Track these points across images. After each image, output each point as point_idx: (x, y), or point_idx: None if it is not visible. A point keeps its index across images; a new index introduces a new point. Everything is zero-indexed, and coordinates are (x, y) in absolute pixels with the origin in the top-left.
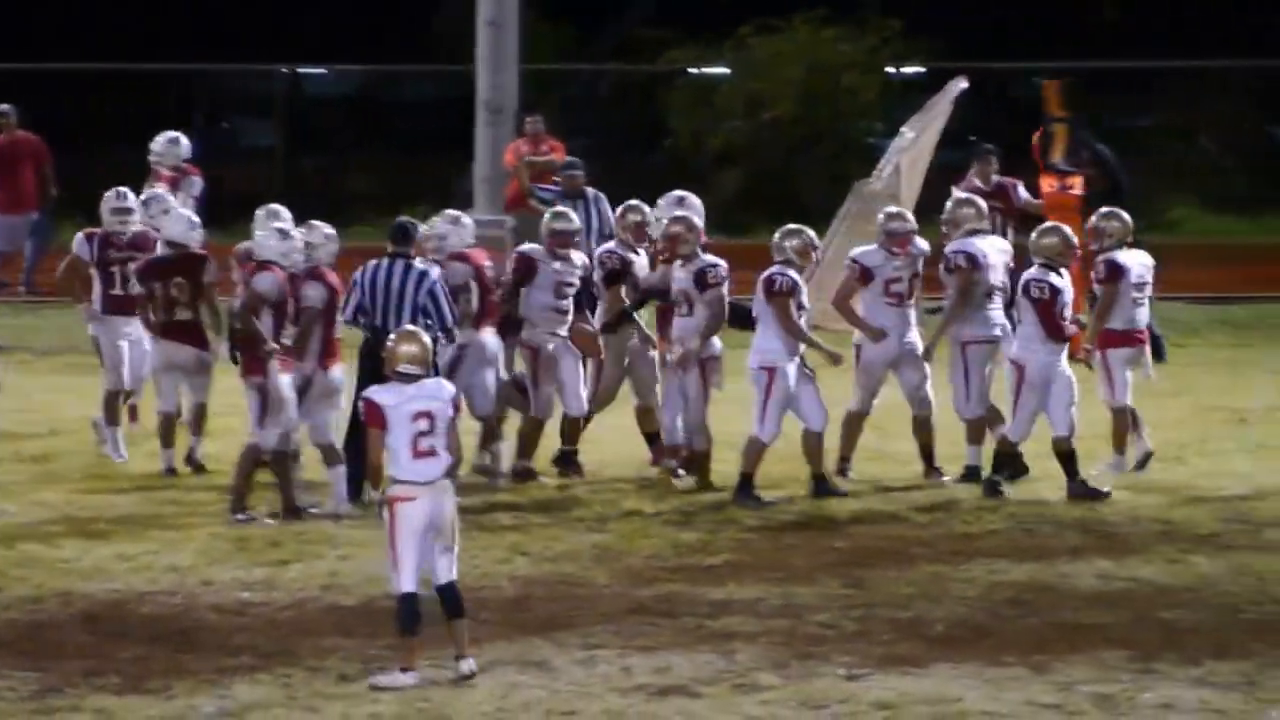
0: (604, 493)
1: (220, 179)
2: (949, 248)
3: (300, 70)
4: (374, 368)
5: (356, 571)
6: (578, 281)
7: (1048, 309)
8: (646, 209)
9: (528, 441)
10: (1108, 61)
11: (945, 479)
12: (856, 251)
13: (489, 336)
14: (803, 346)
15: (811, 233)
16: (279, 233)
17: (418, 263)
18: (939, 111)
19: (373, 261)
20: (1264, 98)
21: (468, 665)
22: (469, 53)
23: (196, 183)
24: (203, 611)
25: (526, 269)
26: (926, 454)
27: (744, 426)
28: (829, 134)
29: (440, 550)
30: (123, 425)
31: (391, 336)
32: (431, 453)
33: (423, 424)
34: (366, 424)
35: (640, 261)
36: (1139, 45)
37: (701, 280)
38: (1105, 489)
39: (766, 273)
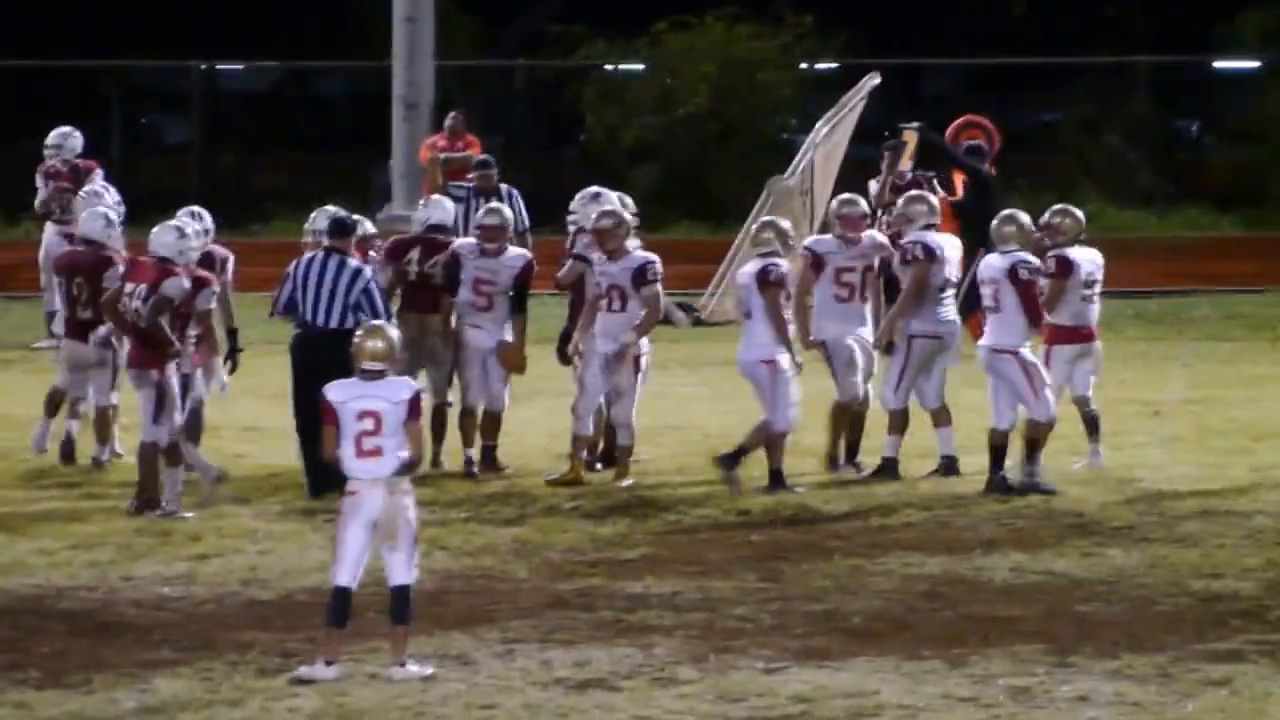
0: (522, 487)
1: (138, 174)
2: (907, 239)
3: (217, 66)
4: (303, 361)
5: (275, 566)
6: (505, 280)
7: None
8: (507, 213)
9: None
10: (1016, 58)
11: (863, 473)
12: (810, 240)
13: None
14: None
15: (786, 223)
16: (176, 230)
17: (351, 260)
18: (852, 107)
19: (306, 255)
20: (1169, 93)
21: (400, 672)
22: (385, 48)
23: (98, 175)
24: (123, 606)
25: (453, 263)
26: (851, 446)
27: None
28: (743, 130)
29: (387, 550)
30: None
31: (359, 332)
32: (376, 452)
33: (368, 423)
34: (324, 419)
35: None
36: (1047, 41)
37: (640, 277)
38: (1048, 486)
39: (759, 264)
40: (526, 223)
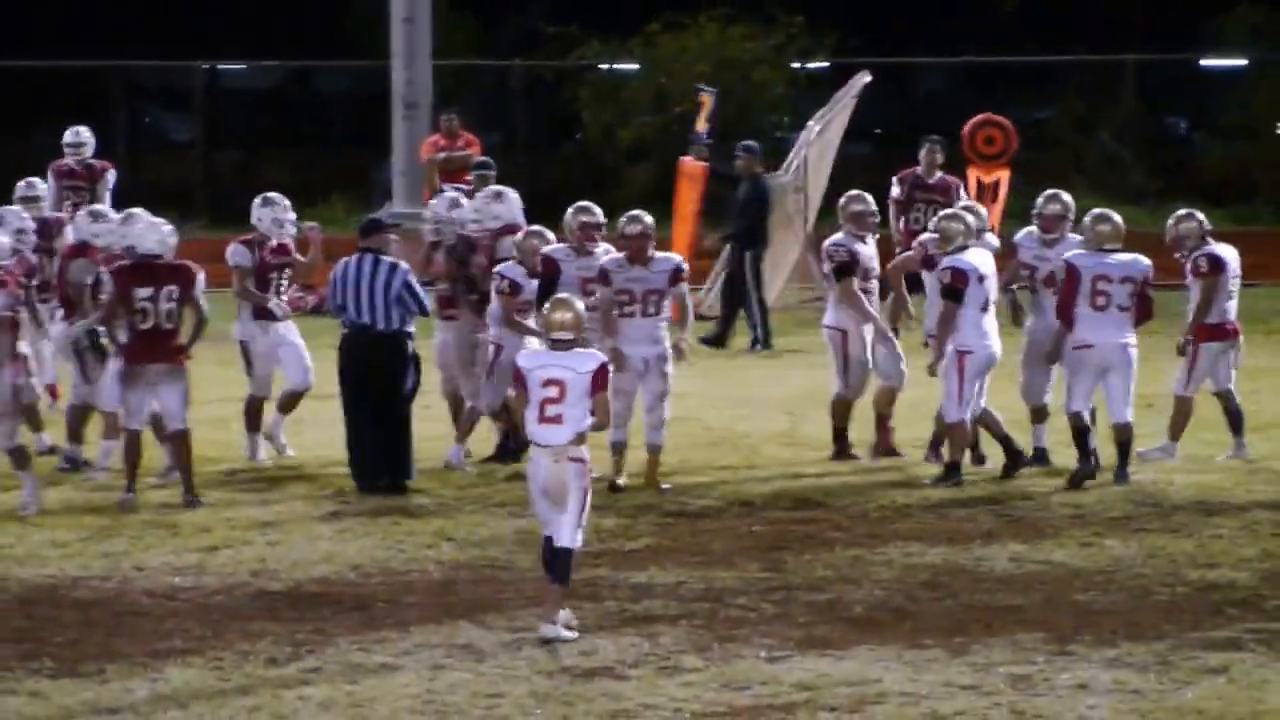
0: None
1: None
2: (941, 264)
3: (219, 66)
4: (352, 361)
5: (284, 557)
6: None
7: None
8: (649, 218)
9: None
10: (1007, 56)
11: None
12: (837, 238)
13: None
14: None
15: (869, 199)
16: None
17: (387, 257)
18: (844, 106)
19: (343, 259)
20: (1159, 91)
21: (548, 629)
22: (385, 48)
23: (111, 177)
24: (135, 596)
25: (550, 268)
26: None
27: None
28: (737, 128)
29: (555, 513)
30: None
31: (547, 305)
32: (557, 419)
33: (551, 391)
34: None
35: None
36: (1038, 39)
37: (677, 275)
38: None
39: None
40: (524, 225)
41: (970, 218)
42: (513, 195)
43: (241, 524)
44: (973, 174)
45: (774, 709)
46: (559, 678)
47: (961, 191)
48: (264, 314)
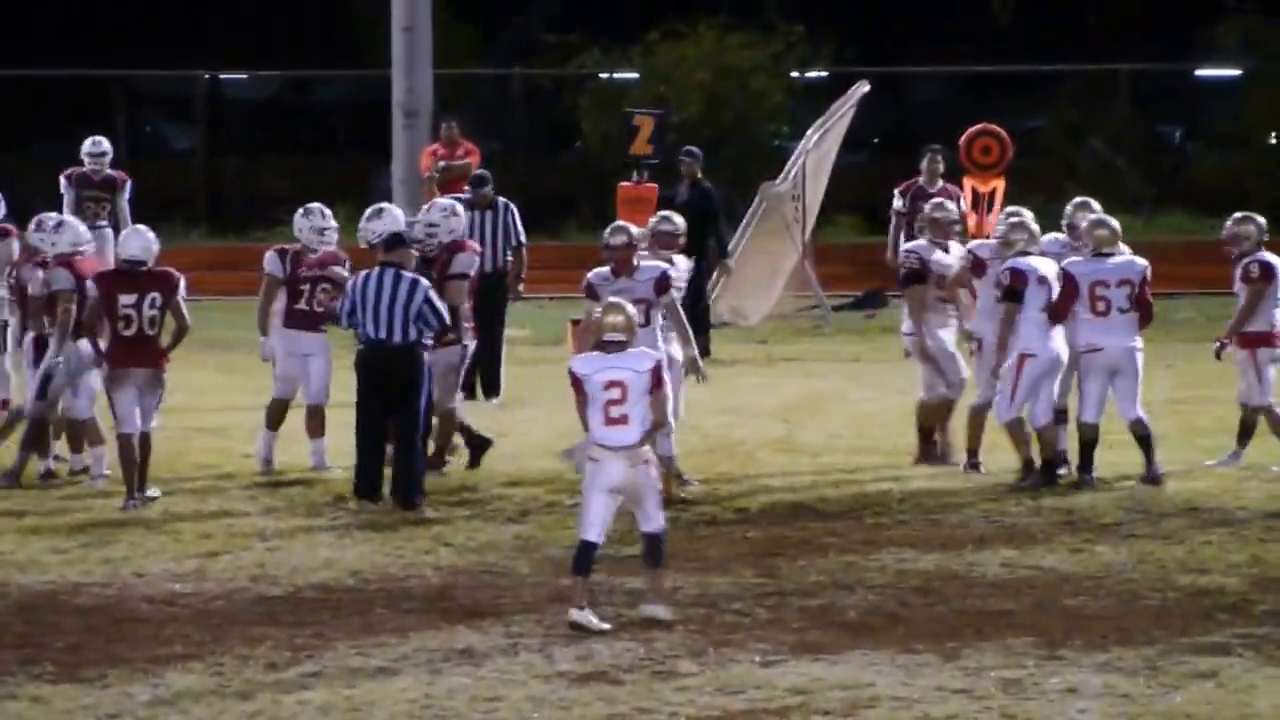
0: (524, 485)
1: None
2: (1003, 265)
3: (220, 75)
4: (369, 375)
5: (283, 563)
6: (650, 293)
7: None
8: (678, 219)
9: None
10: (1002, 66)
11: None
12: (910, 245)
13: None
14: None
15: (951, 205)
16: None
17: (407, 272)
18: (842, 114)
19: (363, 272)
20: (1152, 100)
21: (647, 609)
22: (384, 57)
23: (129, 188)
24: (135, 602)
25: (590, 294)
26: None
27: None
28: (736, 136)
29: (634, 507)
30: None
31: (598, 309)
32: (623, 420)
33: (614, 393)
34: (573, 390)
35: None
36: (1032, 50)
37: (663, 284)
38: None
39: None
40: (522, 237)
41: (1031, 223)
42: (460, 210)
43: (241, 530)
44: (969, 183)
45: (768, 713)
46: (556, 682)
47: (962, 201)
48: (294, 321)
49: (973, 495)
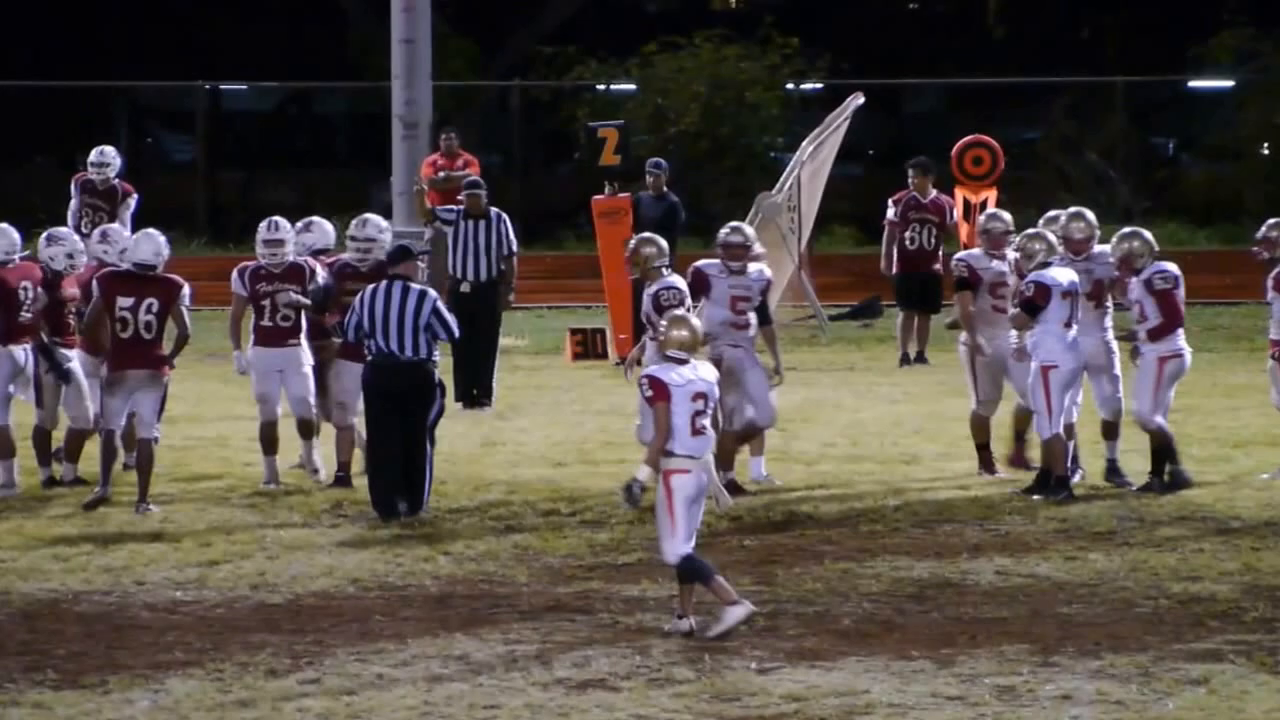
0: (522, 495)
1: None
2: (1027, 278)
3: (221, 87)
4: (378, 388)
5: (284, 571)
6: (756, 295)
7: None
8: (748, 230)
9: (725, 453)
10: (996, 78)
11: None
12: (961, 254)
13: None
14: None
15: (1007, 216)
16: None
17: (415, 284)
18: (837, 126)
19: (370, 285)
20: (1146, 112)
21: (685, 623)
22: (384, 69)
23: (133, 202)
24: (137, 610)
25: (701, 283)
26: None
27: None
28: (732, 148)
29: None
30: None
31: (663, 322)
32: (703, 431)
33: (700, 404)
34: (653, 399)
35: None
36: (1026, 62)
37: (654, 303)
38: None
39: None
40: (514, 246)
41: (1051, 235)
42: (385, 224)
43: (241, 538)
44: (960, 193)
45: None
46: (553, 689)
47: (955, 212)
48: (260, 338)
49: (967, 504)
